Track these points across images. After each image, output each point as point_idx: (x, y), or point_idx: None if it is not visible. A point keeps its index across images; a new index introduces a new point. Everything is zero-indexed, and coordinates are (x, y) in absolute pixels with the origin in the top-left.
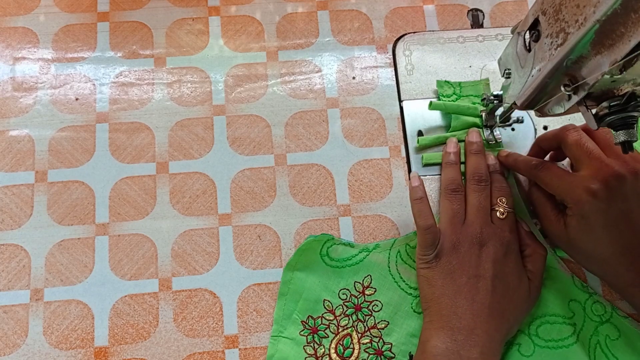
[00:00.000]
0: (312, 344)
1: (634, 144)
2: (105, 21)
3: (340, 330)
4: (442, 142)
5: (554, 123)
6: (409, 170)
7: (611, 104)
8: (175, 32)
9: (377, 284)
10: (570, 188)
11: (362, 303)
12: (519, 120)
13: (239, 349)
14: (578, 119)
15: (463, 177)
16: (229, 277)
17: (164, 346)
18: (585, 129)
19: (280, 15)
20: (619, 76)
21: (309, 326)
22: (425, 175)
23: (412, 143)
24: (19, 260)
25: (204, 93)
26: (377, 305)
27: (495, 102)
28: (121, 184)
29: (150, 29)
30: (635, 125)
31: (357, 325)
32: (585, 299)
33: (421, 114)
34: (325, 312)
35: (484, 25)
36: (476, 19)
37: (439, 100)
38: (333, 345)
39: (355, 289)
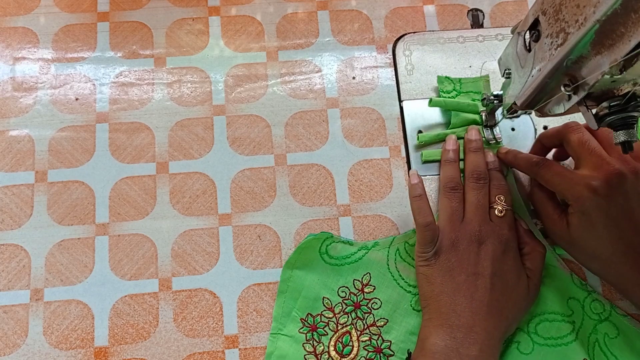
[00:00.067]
0: (311, 342)
1: None
2: (105, 21)
3: (339, 328)
4: (442, 139)
5: (554, 123)
6: (409, 170)
7: (611, 104)
8: (175, 32)
9: (376, 282)
10: (571, 185)
11: (361, 301)
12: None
13: (239, 349)
14: (578, 118)
15: (462, 175)
16: (229, 277)
17: (164, 346)
18: (588, 127)
19: (280, 15)
20: (619, 76)
21: (308, 324)
22: (425, 175)
23: (412, 143)
24: (19, 260)
25: (204, 93)
26: (376, 303)
27: (495, 102)
28: (121, 184)
29: (150, 29)
30: (635, 125)
31: (356, 323)
32: (584, 297)
33: (421, 114)
34: (325, 310)
35: (484, 25)
36: (476, 19)
37: (439, 97)
38: (332, 343)
39: (355, 287)
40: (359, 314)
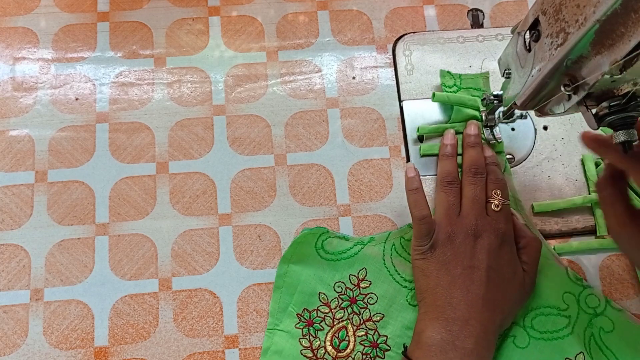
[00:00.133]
0: (307, 337)
1: None
2: (105, 21)
3: (335, 323)
4: (441, 132)
5: (554, 123)
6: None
7: (611, 104)
8: (175, 32)
9: (372, 277)
10: None
11: (357, 296)
12: (522, 116)
13: (239, 349)
14: (578, 118)
15: (459, 169)
16: (229, 277)
17: (164, 346)
18: None
19: (280, 15)
20: (619, 76)
21: (305, 319)
22: (425, 176)
23: (412, 143)
24: (19, 260)
25: (204, 93)
26: (372, 298)
27: (495, 102)
28: (121, 184)
29: (150, 29)
30: (635, 125)
31: (352, 318)
32: (580, 291)
33: (421, 114)
34: (321, 305)
35: (484, 25)
36: (476, 19)
37: (442, 92)
38: (328, 338)
39: (351, 282)
40: (355, 309)
